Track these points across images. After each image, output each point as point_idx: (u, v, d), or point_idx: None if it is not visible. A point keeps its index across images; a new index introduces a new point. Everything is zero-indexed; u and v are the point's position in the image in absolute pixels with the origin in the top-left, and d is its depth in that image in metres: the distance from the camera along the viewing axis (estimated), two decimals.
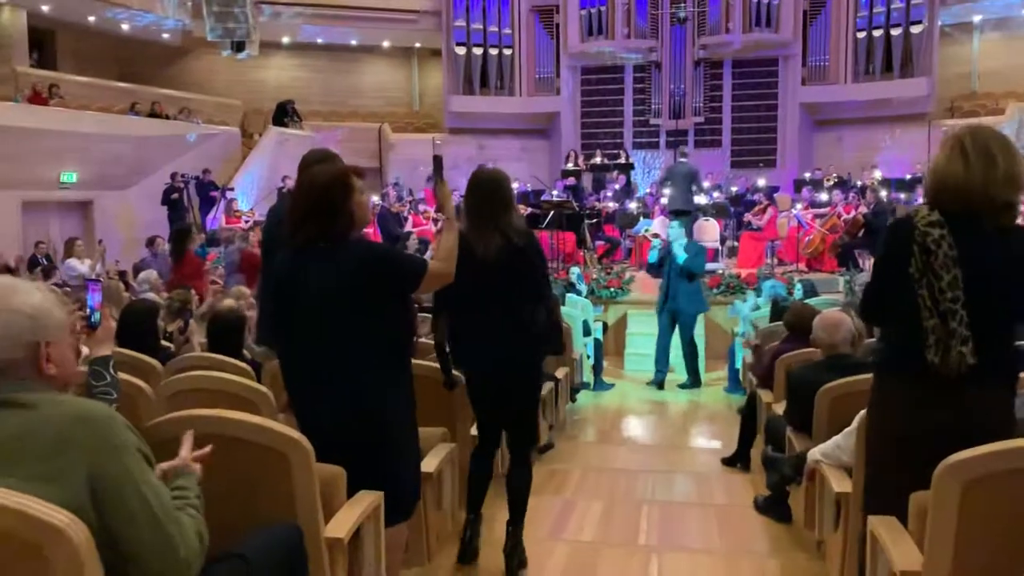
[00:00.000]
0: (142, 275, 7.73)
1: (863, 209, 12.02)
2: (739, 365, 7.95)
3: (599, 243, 13.39)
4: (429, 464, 3.00)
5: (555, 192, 14.80)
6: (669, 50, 17.60)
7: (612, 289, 10.79)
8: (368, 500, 2.43)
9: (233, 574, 1.85)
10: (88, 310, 2.17)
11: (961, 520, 2.07)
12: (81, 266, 10.22)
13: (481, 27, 18.23)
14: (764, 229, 13.06)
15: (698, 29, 17.47)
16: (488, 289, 3.23)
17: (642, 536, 4.05)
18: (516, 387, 3.38)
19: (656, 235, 13.11)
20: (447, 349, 3.47)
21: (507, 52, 18.42)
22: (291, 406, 2.71)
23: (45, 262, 10.84)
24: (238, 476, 2.17)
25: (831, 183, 14.91)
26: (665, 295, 8.44)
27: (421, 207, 14.89)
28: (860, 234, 11.51)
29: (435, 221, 13.54)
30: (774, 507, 4.14)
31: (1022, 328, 2.49)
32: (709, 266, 11.67)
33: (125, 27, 17.24)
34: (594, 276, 11.07)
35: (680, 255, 8.23)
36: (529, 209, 13.59)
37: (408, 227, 13.85)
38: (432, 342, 3.62)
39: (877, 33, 17.04)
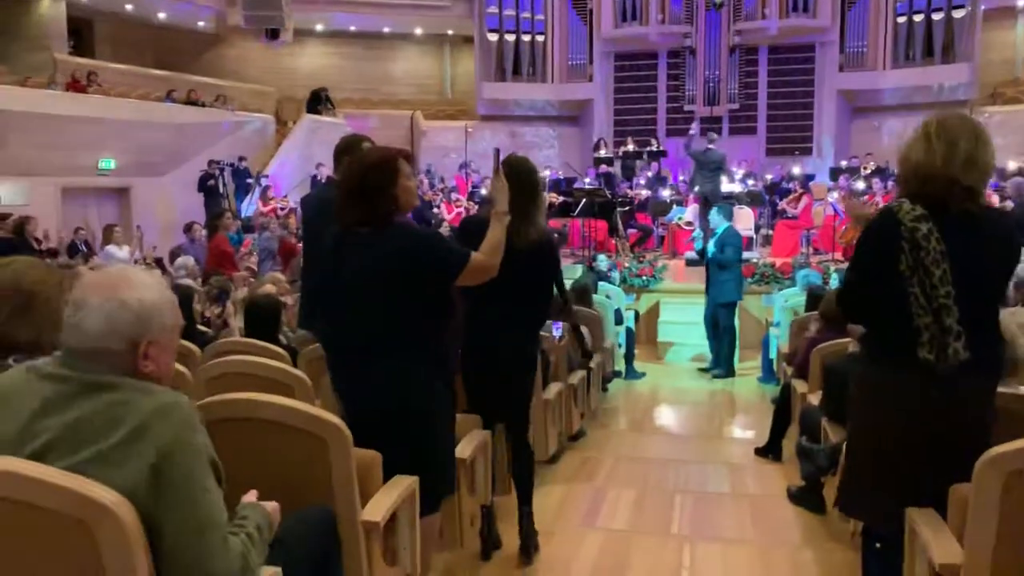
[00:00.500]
0: (179, 261, 7.84)
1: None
2: (773, 355, 7.89)
3: (631, 231, 13.33)
4: (463, 450, 3.01)
5: (587, 180, 14.76)
6: (704, 36, 17.40)
7: (644, 277, 10.74)
8: (404, 485, 2.45)
9: (271, 559, 1.88)
10: None
11: (1003, 513, 2.04)
12: (119, 252, 10.38)
13: (514, 13, 18.16)
14: (799, 217, 12.91)
15: (734, 14, 17.25)
16: (507, 282, 3.22)
17: (675, 525, 4.05)
18: (515, 375, 3.40)
19: (690, 223, 13.02)
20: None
21: (539, 38, 18.35)
22: (333, 389, 2.73)
23: (84, 248, 11.04)
24: (275, 460, 2.20)
25: (869, 171, 14.68)
26: (707, 284, 8.46)
27: (453, 195, 14.92)
28: None
29: (466, 210, 13.56)
30: (808, 497, 4.12)
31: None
32: (744, 255, 11.58)
33: (161, 15, 17.44)
34: (626, 264, 11.02)
35: (709, 248, 8.21)
36: (561, 197, 13.58)
37: (442, 214, 13.89)
38: None
39: (918, 18, 16.70)
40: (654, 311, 10.38)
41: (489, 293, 3.16)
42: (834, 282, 8.03)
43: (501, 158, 3.05)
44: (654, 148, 16.59)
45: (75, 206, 13.49)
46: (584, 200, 12.12)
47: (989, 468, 2.04)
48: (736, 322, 8.64)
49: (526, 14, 18.18)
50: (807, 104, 17.59)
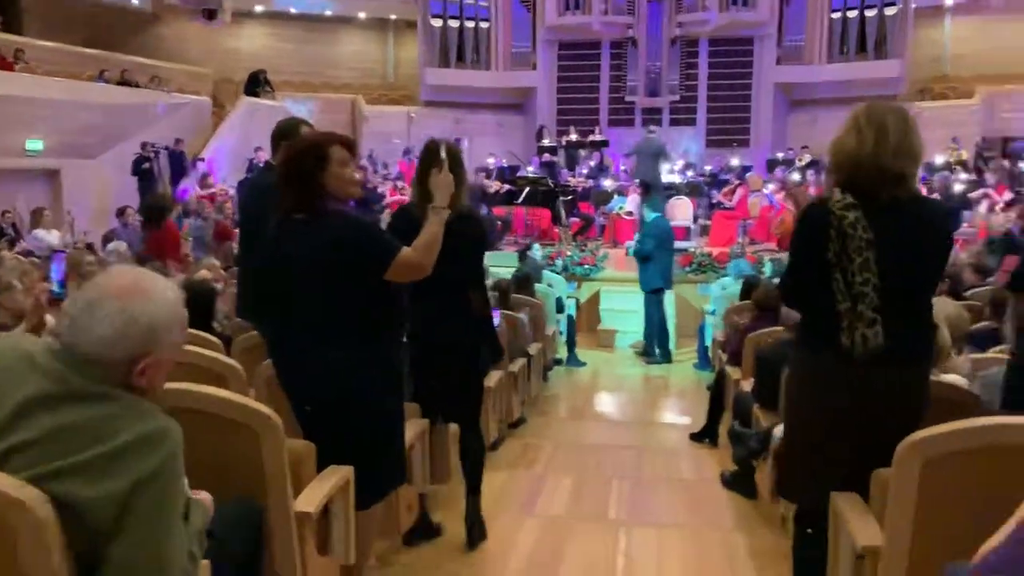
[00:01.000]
0: (111, 246, 7.63)
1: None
2: (709, 342, 8.04)
3: (574, 220, 13.41)
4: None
5: (531, 168, 14.79)
6: (646, 27, 17.54)
7: (586, 266, 10.82)
8: (338, 475, 2.44)
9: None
10: (54, 282, 2.14)
11: (921, 497, 2.11)
12: (49, 236, 10.05)
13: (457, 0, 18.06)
14: (735, 208, 13.15)
15: (675, 7, 17.42)
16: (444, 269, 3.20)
17: (611, 511, 4.11)
18: (460, 363, 3.37)
19: (630, 213, 13.16)
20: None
21: (484, 25, 18.27)
22: (277, 378, 2.70)
23: (12, 232, 10.66)
24: (207, 451, 2.16)
25: (804, 163, 15.02)
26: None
27: (400, 183, 14.79)
28: None
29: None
30: (740, 482, 4.21)
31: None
32: (681, 244, 11.80)
33: None
34: (568, 253, 11.09)
35: (631, 245, 8.46)
36: (505, 185, 13.58)
37: (385, 201, 13.76)
38: None
39: (852, 14, 17.11)
40: (595, 299, 10.48)
41: (424, 282, 3.16)
42: (768, 271, 8.22)
43: (443, 147, 3.02)
44: (597, 138, 16.70)
45: (1, 189, 12.98)
46: (528, 188, 12.14)
47: (908, 453, 2.11)
48: (671, 310, 8.81)
49: (470, 0, 18.08)
50: (745, 96, 17.89)
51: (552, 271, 9.80)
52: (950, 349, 2.98)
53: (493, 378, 4.75)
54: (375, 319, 2.59)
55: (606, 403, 7.42)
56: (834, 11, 17.18)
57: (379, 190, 14.14)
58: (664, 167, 12.91)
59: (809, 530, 2.55)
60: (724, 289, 8.17)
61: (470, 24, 18.22)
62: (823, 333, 2.35)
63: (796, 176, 13.69)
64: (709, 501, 4.24)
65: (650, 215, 8.72)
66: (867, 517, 2.27)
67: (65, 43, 15.61)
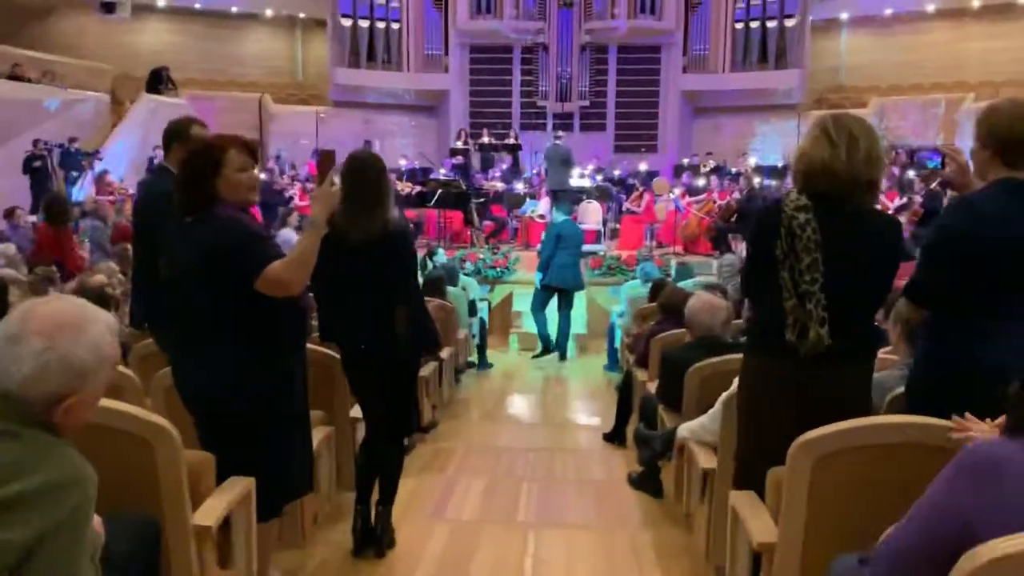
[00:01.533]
0: None
1: (736, 195, 12.54)
2: (618, 344, 8.18)
3: (486, 223, 13.44)
4: None
5: (443, 170, 14.76)
6: (556, 33, 17.75)
7: (498, 269, 10.86)
8: (238, 487, 2.38)
9: None
10: None
11: (812, 494, 2.19)
12: None
13: None
14: (642, 213, 13.43)
15: (585, 13, 17.69)
16: (359, 276, 3.16)
17: (521, 513, 4.13)
18: (387, 373, 3.33)
19: (542, 216, 13.28)
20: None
21: (395, 26, 18.15)
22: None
23: None
24: (100, 465, 2.06)
25: (708, 169, 15.45)
26: None
27: (309, 185, 14.51)
28: (733, 219, 11.99)
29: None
30: (647, 482, 4.30)
31: (881, 308, 2.67)
32: (591, 247, 11.99)
33: None
34: (480, 256, 11.12)
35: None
36: (417, 187, 13.51)
37: (295, 202, 13.49)
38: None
39: (754, 25, 17.73)
40: (507, 302, 10.53)
41: (341, 288, 3.13)
42: (674, 274, 8.44)
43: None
44: (510, 141, 16.80)
45: None
46: (440, 191, 12.11)
47: (801, 452, 2.19)
48: (581, 310, 9.02)
49: (380, 1, 17.93)
50: (653, 103, 18.31)
51: (464, 274, 9.80)
52: None
53: (414, 385, 4.70)
54: (261, 324, 2.48)
55: (518, 405, 7.45)
56: (737, 22, 17.77)
57: (287, 193, 13.86)
58: (574, 171, 13.10)
59: None
60: (632, 291, 8.33)
61: (381, 25, 18.08)
62: (769, 330, 2.42)
63: (701, 181, 14.07)
64: (617, 501, 4.31)
65: (557, 218, 8.88)
66: (763, 514, 2.35)
67: None
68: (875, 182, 2.42)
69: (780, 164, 15.44)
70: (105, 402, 2.14)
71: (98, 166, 13.73)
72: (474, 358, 8.42)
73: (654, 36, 17.84)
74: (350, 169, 3.18)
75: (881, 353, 3.34)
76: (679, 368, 3.75)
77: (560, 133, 12.61)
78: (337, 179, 2.82)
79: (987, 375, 2.09)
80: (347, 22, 17.95)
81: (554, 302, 8.89)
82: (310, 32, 19.78)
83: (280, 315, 2.50)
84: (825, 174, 2.37)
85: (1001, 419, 1.76)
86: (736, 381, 2.75)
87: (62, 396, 1.48)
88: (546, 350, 8.88)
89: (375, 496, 3.41)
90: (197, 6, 18.48)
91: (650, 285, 8.13)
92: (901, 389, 2.60)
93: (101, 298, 3.91)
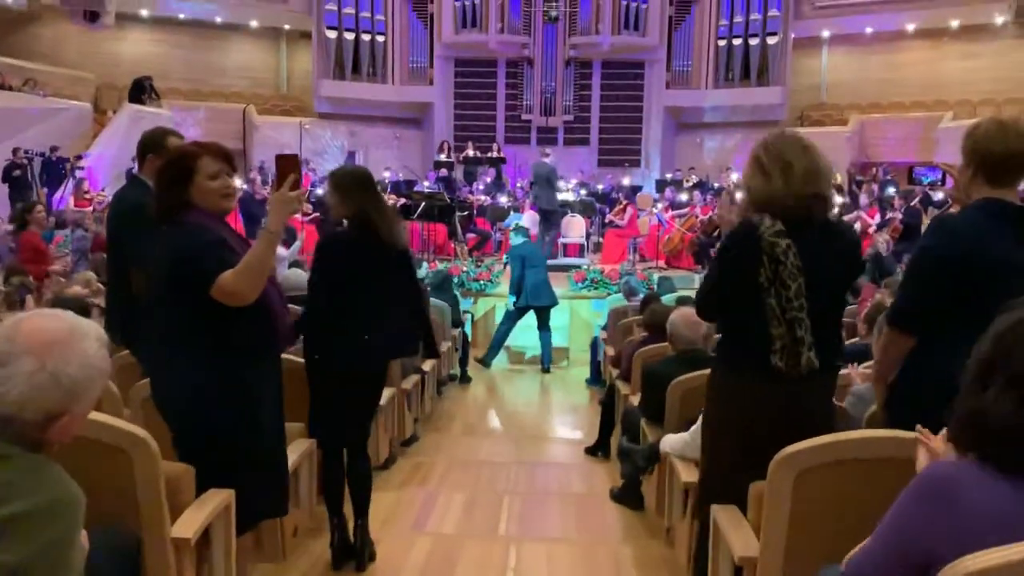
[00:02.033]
0: None
1: (719, 210, 12.61)
2: (601, 357, 8.19)
3: (470, 235, 13.45)
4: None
5: (427, 183, 14.77)
6: (541, 47, 17.85)
7: (482, 282, 10.86)
8: (217, 499, 2.36)
9: None
10: None
11: (794, 508, 2.20)
12: None
13: (353, 12, 17.89)
14: (626, 227, 13.49)
15: (569, 28, 17.80)
16: (373, 288, 3.22)
17: (502, 527, 4.11)
18: (368, 381, 3.35)
19: (527, 229, 13.31)
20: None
21: (380, 39, 18.18)
22: None
23: None
24: (77, 476, 2.05)
25: (691, 184, 15.55)
26: None
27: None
28: (715, 234, 12.05)
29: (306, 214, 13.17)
30: (628, 496, 4.29)
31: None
32: (575, 261, 12.05)
33: None
34: (464, 269, 11.11)
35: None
36: (401, 199, 13.50)
37: None
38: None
39: (737, 42, 17.88)
40: (490, 315, 10.51)
41: (346, 299, 3.13)
42: (657, 287, 8.48)
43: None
44: (495, 154, 16.84)
45: None
46: (424, 203, 12.12)
47: (781, 466, 2.20)
48: (565, 320, 9.10)
49: (366, 13, 17.96)
50: (636, 118, 18.41)
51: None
52: None
53: (384, 396, 4.68)
54: (226, 336, 2.44)
55: (500, 419, 7.44)
56: (720, 39, 17.93)
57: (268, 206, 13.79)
58: (560, 185, 13.18)
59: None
60: (615, 305, 8.34)
61: (366, 37, 18.10)
62: (749, 351, 2.43)
63: (684, 196, 14.15)
64: (598, 515, 4.31)
65: (516, 240, 9.10)
66: (744, 528, 2.35)
67: None
68: (820, 195, 2.43)
69: None
70: None
71: (79, 174, 13.62)
72: (456, 371, 8.40)
73: (638, 52, 17.96)
74: (359, 180, 3.36)
75: (862, 368, 3.38)
76: (661, 382, 3.76)
77: (548, 150, 12.67)
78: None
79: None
80: (332, 34, 17.96)
81: (533, 321, 8.95)
82: (295, 44, 19.77)
83: (245, 326, 2.45)
84: (771, 203, 2.40)
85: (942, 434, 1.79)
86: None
87: (57, 415, 1.47)
88: (488, 358, 8.99)
89: (348, 508, 3.40)
90: (181, 16, 18.42)
91: (632, 299, 8.23)
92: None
93: (77, 309, 3.85)
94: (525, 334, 9.30)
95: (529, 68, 18.05)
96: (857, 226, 12.45)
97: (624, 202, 14.10)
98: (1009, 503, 1.37)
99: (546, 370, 8.96)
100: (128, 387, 2.97)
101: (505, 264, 9.43)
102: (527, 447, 6.35)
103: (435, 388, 6.99)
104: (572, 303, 10.16)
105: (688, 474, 3.14)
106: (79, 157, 14.04)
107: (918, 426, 1.86)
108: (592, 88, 18.35)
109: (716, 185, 15.25)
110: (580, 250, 13.28)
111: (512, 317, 8.94)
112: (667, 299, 6.94)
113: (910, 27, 17.48)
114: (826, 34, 18.41)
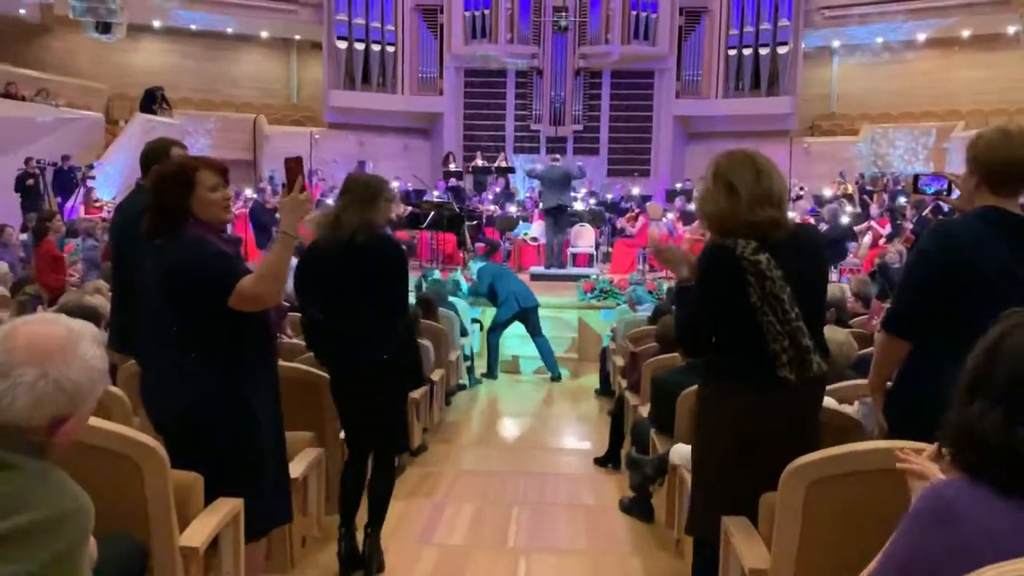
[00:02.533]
0: None
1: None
2: (610, 368, 8.16)
3: (479, 245, 13.46)
4: (295, 469, 2.93)
5: (436, 192, 14.80)
6: (550, 57, 17.88)
7: None
8: (226, 508, 2.35)
9: None
10: None
11: (806, 519, 2.18)
12: None
13: (363, 22, 17.97)
14: (636, 236, 13.47)
15: (579, 38, 17.83)
16: (360, 291, 3.20)
17: (511, 538, 4.09)
18: (381, 394, 3.33)
19: (535, 238, 13.32)
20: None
21: (390, 49, 18.25)
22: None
23: None
24: (86, 485, 2.05)
25: None
26: None
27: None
28: None
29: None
30: (638, 507, 4.27)
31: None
32: (584, 271, 12.03)
33: None
34: (473, 278, 11.10)
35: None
36: (410, 209, 13.53)
37: None
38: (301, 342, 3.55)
39: (747, 52, 17.87)
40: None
41: (342, 306, 3.14)
42: (666, 297, 8.45)
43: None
44: (503, 164, 16.87)
45: None
46: (433, 213, 12.13)
47: (793, 477, 2.18)
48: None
49: (376, 24, 18.05)
50: (646, 128, 18.41)
51: (456, 296, 9.78)
52: None
53: (402, 406, 4.68)
54: (228, 346, 2.47)
55: (509, 429, 7.42)
56: (730, 48, 17.92)
57: (277, 214, 13.86)
58: (575, 184, 13.17)
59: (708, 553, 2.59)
60: (624, 315, 8.33)
61: (376, 47, 18.17)
62: (748, 365, 2.40)
63: (693, 206, 14.10)
64: (608, 526, 4.28)
65: (475, 267, 9.41)
66: (755, 540, 2.33)
67: None
68: (776, 220, 2.38)
69: None
70: (92, 421, 2.12)
71: (90, 183, 13.71)
72: (465, 380, 8.39)
73: (647, 61, 17.97)
74: (356, 183, 3.37)
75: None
76: (671, 392, 3.73)
77: (557, 156, 12.68)
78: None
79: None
80: (343, 44, 18.05)
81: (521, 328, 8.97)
82: (305, 54, 19.89)
83: (245, 334, 2.48)
84: (731, 222, 2.38)
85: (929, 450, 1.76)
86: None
87: (62, 419, 1.48)
88: (493, 372, 8.99)
89: (359, 519, 3.38)
90: (193, 27, 18.57)
91: (638, 309, 8.24)
92: None
93: (84, 318, 3.86)
94: (527, 343, 9.31)
95: (539, 78, 18.08)
96: (868, 237, 12.42)
97: (636, 210, 14.08)
98: (1004, 522, 1.35)
99: (556, 377, 8.92)
100: (137, 396, 2.97)
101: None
102: (536, 458, 6.33)
103: (444, 398, 6.98)
104: (581, 313, 10.13)
105: None
106: (91, 167, 14.15)
107: (897, 451, 1.82)
108: (602, 98, 18.36)
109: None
110: (589, 260, 13.27)
111: (499, 327, 8.98)
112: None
113: (921, 37, 17.44)
114: (836, 44, 18.40)
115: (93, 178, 14.05)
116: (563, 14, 17.39)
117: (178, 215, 2.43)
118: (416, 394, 5.45)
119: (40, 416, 1.45)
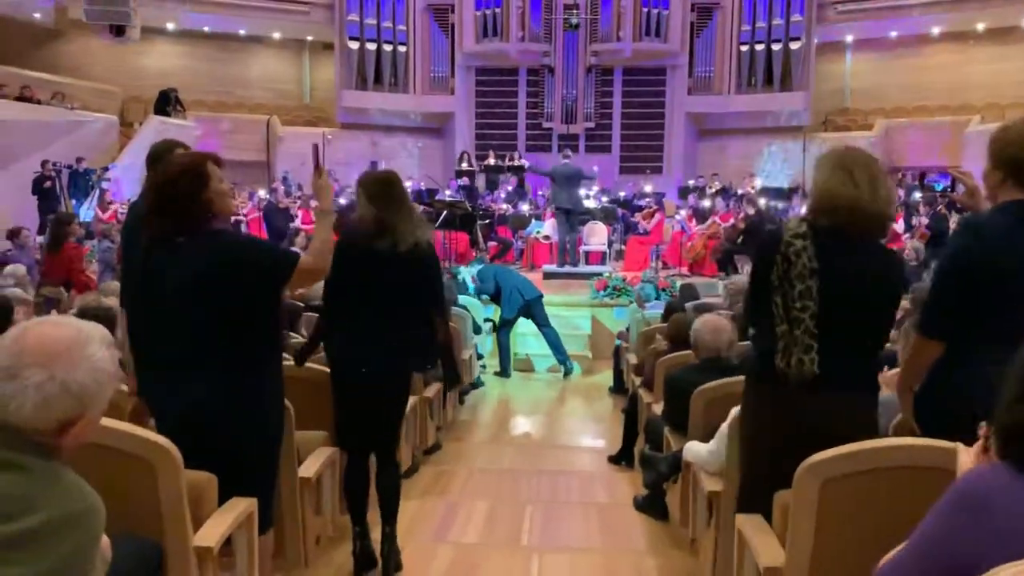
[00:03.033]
0: (8, 269, 7.25)
1: (742, 216, 12.53)
2: (623, 366, 8.14)
3: (491, 244, 13.46)
4: (308, 468, 2.94)
5: (449, 192, 14.81)
6: (562, 55, 17.86)
7: None
8: (240, 507, 2.36)
9: None
10: None
11: (820, 517, 2.17)
12: None
13: (375, 22, 18.01)
14: (651, 233, 13.44)
15: (590, 35, 17.79)
16: (385, 289, 3.21)
17: (524, 537, 4.09)
18: (390, 391, 3.34)
19: (547, 237, 13.31)
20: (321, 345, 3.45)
21: (402, 49, 18.28)
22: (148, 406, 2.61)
23: None
24: (100, 485, 2.05)
25: (713, 191, 15.46)
26: None
27: (313, 203, 14.58)
28: (739, 240, 11.98)
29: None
30: (652, 505, 4.26)
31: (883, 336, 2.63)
32: (597, 268, 12.00)
33: None
34: (477, 280, 11.10)
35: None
36: (422, 208, 13.56)
37: (297, 223, 13.55)
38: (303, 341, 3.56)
39: (759, 47, 17.77)
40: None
41: (359, 301, 3.13)
42: (679, 294, 8.42)
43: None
44: (516, 163, 16.86)
45: None
46: (445, 212, 12.15)
47: (807, 475, 2.17)
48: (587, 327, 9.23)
49: (388, 24, 18.08)
50: (658, 124, 18.34)
51: (468, 295, 9.79)
52: None
53: (407, 404, 4.69)
54: (258, 341, 2.51)
55: (522, 427, 7.41)
56: (742, 44, 17.82)
57: (291, 211, 13.94)
58: (588, 184, 13.14)
59: None
60: (637, 313, 8.31)
61: (388, 48, 18.20)
62: (765, 356, 2.41)
63: (707, 203, 14.07)
64: (622, 525, 4.27)
65: (473, 272, 9.47)
66: (770, 538, 2.32)
67: None
68: (892, 218, 2.50)
69: (787, 186, 15.45)
70: (106, 422, 2.13)
71: (105, 185, 13.81)
72: (478, 379, 8.40)
73: (659, 58, 17.91)
74: (380, 181, 3.34)
75: (890, 373, 3.33)
76: (684, 390, 3.72)
77: (569, 153, 12.66)
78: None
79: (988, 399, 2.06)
80: (355, 45, 18.10)
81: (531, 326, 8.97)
82: (318, 55, 19.94)
83: (264, 330, 2.54)
84: (851, 212, 2.36)
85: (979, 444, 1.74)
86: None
87: (70, 421, 1.48)
88: (505, 370, 9.00)
89: (372, 518, 3.39)
90: (206, 29, 18.66)
91: (646, 306, 8.25)
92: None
93: (100, 319, 3.88)
94: (539, 341, 9.31)
95: (550, 76, 18.06)
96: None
97: (653, 207, 14.04)
98: None
99: (568, 370, 8.93)
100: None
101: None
102: (549, 456, 6.32)
103: (458, 396, 6.98)
104: (594, 311, 10.12)
105: (712, 483, 3.11)
106: (105, 169, 14.25)
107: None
108: (613, 95, 18.32)
109: (739, 191, 15.14)
110: (602, 258, 13.25)
111: (507, 324, 8.98)
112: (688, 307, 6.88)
113: (935, 30, 17.29)
114: (850, 38, 18.26)
115: (108, 180, 14.15)
116: (574, 11, 17.34)
117: (200, 209, 2.43)
118: (430, 392, 5.46)
119: (48, 418, 1.45)
